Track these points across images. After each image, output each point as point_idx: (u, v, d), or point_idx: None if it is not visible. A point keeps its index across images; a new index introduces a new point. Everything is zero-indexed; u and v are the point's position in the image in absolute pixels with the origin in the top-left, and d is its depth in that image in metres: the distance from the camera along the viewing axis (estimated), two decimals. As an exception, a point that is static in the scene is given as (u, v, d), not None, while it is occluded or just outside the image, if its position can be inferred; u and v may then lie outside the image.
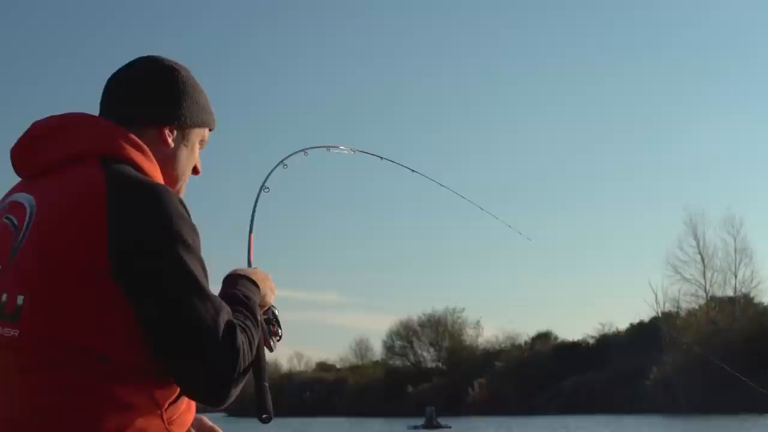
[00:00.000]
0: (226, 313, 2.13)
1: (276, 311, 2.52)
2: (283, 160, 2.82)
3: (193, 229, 2.16)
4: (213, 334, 2.08)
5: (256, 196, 2.75)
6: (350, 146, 2.91)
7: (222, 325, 2.10)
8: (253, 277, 2.40)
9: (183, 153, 2.38)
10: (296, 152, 2.88)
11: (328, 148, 2.92)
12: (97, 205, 2.08)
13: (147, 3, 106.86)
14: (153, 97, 2.33)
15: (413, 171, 3.21)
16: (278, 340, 2.46)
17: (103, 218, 2.07)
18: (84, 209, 2.09)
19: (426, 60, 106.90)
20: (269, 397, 2.40)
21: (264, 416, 2.38)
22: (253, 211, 2.76)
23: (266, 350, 2.43)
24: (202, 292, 2.10)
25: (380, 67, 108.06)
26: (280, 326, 2.47)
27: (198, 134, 2.41)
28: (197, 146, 2.43)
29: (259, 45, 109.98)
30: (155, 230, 2.09)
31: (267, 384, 2.39)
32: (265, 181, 2.79)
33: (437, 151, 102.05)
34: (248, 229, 2.73)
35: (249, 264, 2.66)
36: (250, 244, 2.70)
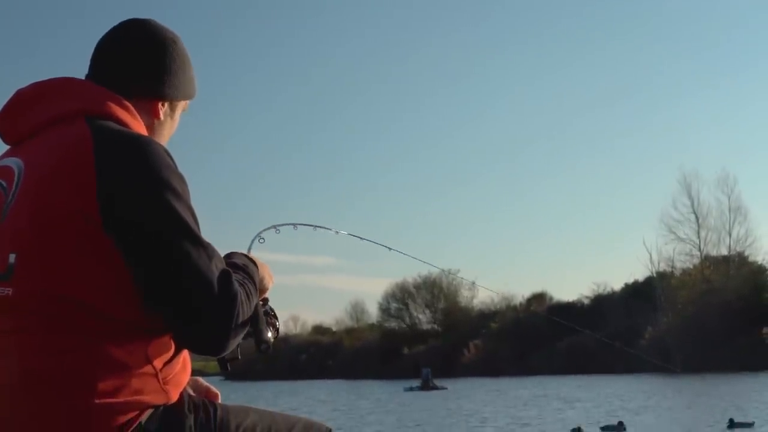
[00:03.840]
0: (219, 261, 2.14)
1: (272, 307, 2.52)
2: (276, 225, 2.85)
3: (181, 178, 2.16)
4: (208, 280, 2.08)
5: (250, 243, 2.74)
6: (336, 228, 2.98)
7: (216, 271, 2.10)
8: (253, 259, 2.42)
9: (168, 124, 2.41)
10: (286, 224, 2.91)
11: (315, 227, 2.95)
12: (85, 158, 2.08)
13: None
14: (149, 71, 2.33)
15: (390, 248, 3.25)
16: (276, 336, 2.46)
17: (91, 170, 2.07)
18: (72, 163, 2.09)
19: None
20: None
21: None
22: (249, 248, 2.73)
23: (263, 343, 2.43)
24: (195, 238, 2.10)
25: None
26: (278, 319, 2.47)
27: (182, 106, 2.45)
28: (179, 116, 2.45)
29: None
30: (143, 179, 2.08)
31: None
32: (259, 234, 2.80)
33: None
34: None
35: None
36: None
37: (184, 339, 2.15)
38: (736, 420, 22.52)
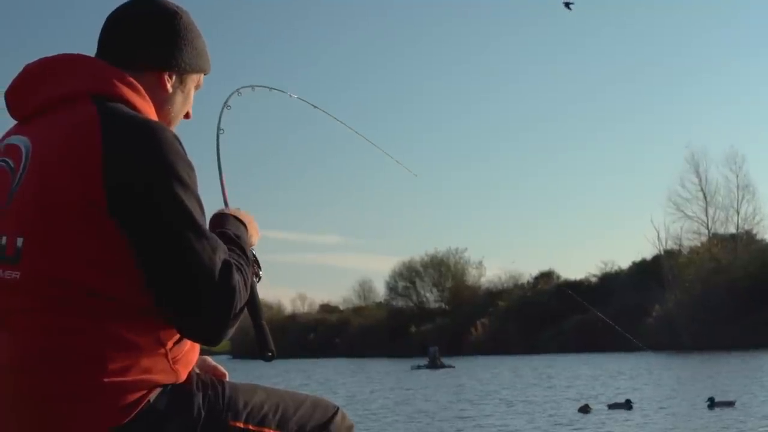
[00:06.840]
0: (222, 252, 2.12)
1: (254, 253, 2.49)
2: (226, 101, 2.77)
3: (189, 165, 2.14)
4: (210, 273, 2.07)
5: (216, 140, 2.69)
6: (292, 92, 2.92)
7: (219, 264, 2.09)
8: (240, 218, 2.40)
9: (179, 98, 2.37)
10: (245, 86, 2.81)
11: (270, 89, 2.88)
12: (92, 142, 2.07)
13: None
14: (154, 41, 2.30)
15: (337, 120, 3.10)
16: (258, 281, 2.45)
17: (98, 154, 2.06)
18: (78, 146, 2.08)
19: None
20: (269, 335, 2.40)
21: (269, 354, 2.40)
22: (218, 155, 2.70)
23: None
24: (199, 229, 2.09)
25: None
26: (260, 267, 2.46)
27: (194, 80, 2.40)
28: (192, 91, 2.42)
29: None
30: (150, 165, 2.07)
31: (265, 323, 2.39)
32: (219, 124, 2.73)
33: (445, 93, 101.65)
34: (218, 174, 2.68)
35: (225, 205, 2.61)
36: (223, 187, 2.65)
37: (183, 329, 2.14)
38: (717, 399, 22.24)
